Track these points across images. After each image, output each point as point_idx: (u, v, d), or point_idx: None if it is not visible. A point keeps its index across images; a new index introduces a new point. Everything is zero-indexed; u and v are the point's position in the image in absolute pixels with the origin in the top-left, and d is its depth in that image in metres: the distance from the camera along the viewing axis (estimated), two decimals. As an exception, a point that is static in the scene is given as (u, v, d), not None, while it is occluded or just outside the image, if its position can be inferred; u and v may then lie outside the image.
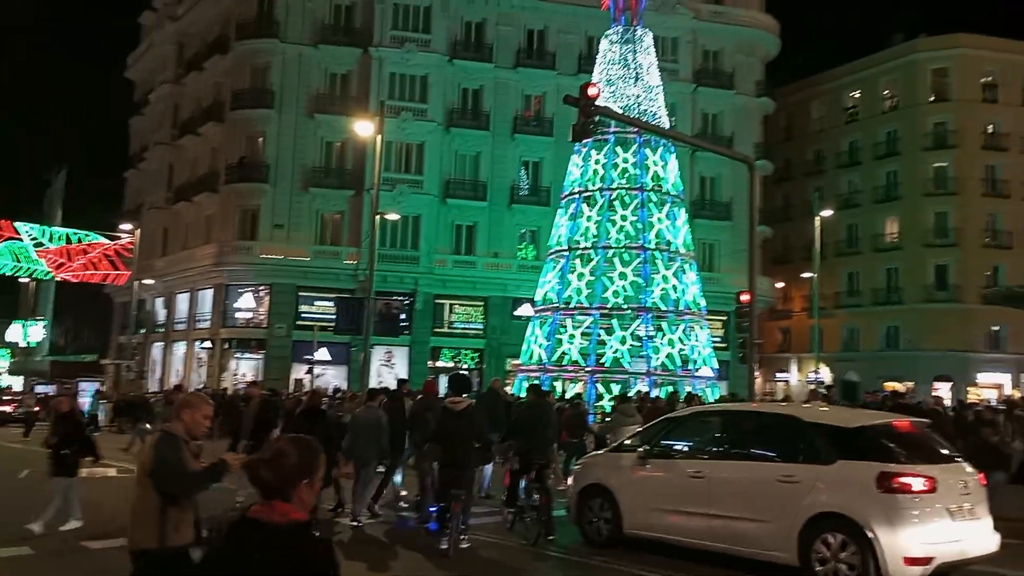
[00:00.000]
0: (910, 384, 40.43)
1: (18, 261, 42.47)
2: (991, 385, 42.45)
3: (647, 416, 14.94)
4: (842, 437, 8.39)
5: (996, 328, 44.66)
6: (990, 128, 47.04)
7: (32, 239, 42.87)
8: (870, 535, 7.59)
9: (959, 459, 8.63)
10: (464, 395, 10.16)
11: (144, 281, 42.07)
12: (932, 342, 44.03)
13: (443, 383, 14.22)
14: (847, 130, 51.41)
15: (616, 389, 25.77)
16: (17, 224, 42.95)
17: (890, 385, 39.90)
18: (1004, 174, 46.66)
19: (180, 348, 42.94)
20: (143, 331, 45.22)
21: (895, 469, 7.82)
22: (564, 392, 26.23)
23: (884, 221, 48.87)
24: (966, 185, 46.02)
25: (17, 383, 55.27)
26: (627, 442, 10.57)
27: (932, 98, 47.81)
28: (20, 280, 59.20)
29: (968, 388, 41.05)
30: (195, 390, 32.45)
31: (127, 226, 44.39)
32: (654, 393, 24.38)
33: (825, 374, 43.63)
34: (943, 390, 39.58)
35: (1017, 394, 38.39)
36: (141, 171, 50.46)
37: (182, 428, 4.78)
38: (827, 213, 39.29)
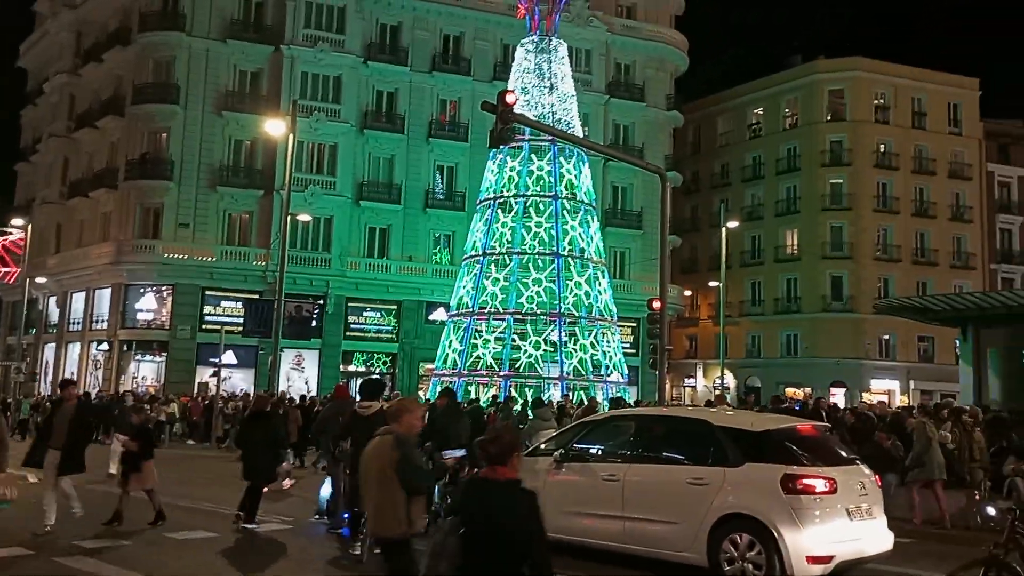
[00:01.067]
0: (808, 390, 42.24)
1: None
2: (883, 391, 44.78)
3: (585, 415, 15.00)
4: (749, 440, 8.67)
5: (887, 337, 47.16)
6: (882, 147, 49.72)
7: (-90, 234, 40.03)
8: (775, 535, 7.88)
9: (857, 461, 9.05)
10: (376, 399, 10.00)
11: (36, 279, 39.86)
12: (829, 350, 46.10)
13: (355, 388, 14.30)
14: (751, 145, 53.38)
15: (529, 394, 25.94)
16: None
17: (790, 391, 41.63)
18: (894, 191, 49.37)
19: (75, 350, 40.88)
20: (34, 331, 42.86)
21: (799, 471, 8.14)
22: (478, 397, 26.24)
23: (785, 234, 50.92)
24: (859, 201, 48.46)
25: None
26: (542, 446, 10.65)
27: (829, 117, 50.17)
28: None
29: (862, 393, 43.18)
30: (85, 393, 30.94)
31: (18, 221, 41.97)
32: (568, 398, 24.65)
33: (730, 380, 45.11)
34: (839, 396, 41.57)
35: (904, 400, 40.64)
36: (33, 164, 47.88)
37: (404, 430, 5.50)
38: (732, 225, 40.67)
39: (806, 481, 8.04)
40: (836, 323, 47.00)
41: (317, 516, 12.02)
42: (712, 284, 43.32)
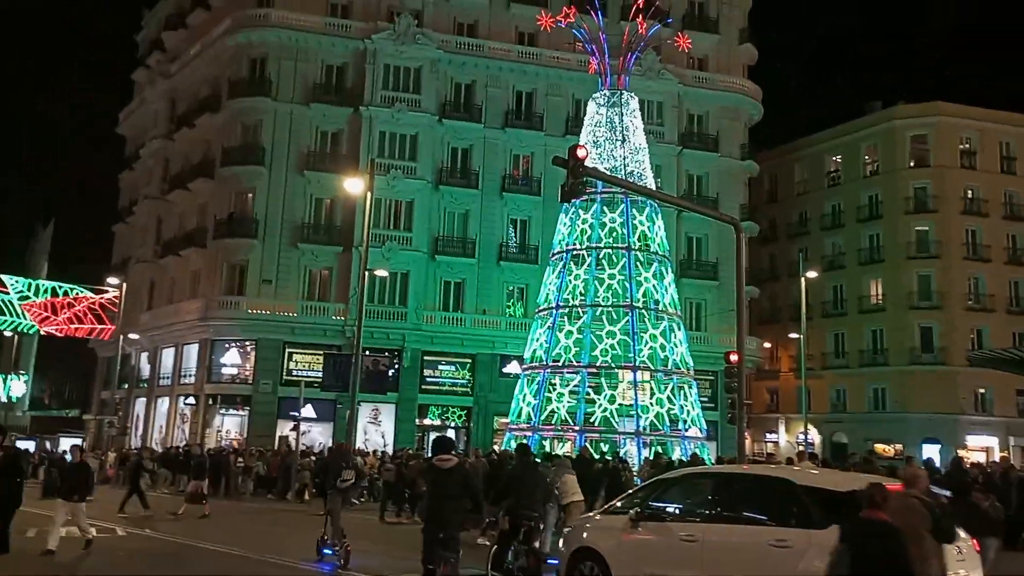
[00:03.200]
0: (899, 446, 40.33)
1: (3, 314, 42.02)
2: (980, 448, 42.39)
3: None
4: (834, 501, 8.30)
5: (983, 390, 44.81)
6: (969, 193, 47.97)
7: (17, 292, 42.49)
8: (866, 602, 7.45)
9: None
10: (450, 453, 9.92)
11: (129, 335, 41.69)
12: (919, 404, 44.05)
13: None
14: (830, 193, 52.28)
15: (606, 448, 25.53)
16: (3, 276, 42.62)
17: (880, 447, 39.80)
18: (985, 238, 47.40)
19: (164, 404, 42.36)
20: (126, 386, 44.62)
21: (889, 534, 7.72)
22: (551, 450, 25.95)
23: (868, 283, 49.34)
24: (948, 248, 46.68)
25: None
26: (618, 504, 10.44)
27: (912, 163, 48.81)
28: (4, 334, 58.60)
29: (958, 450, 40.95)
30: (176, 447, 31.96)
31: (113, 280, 44.18)
32: (644, 453, 24.18)
33: (814, 435, 43.48)
34: (932, 452, 39.51)
35: (1006, 456, 38.38)
36: (129, 225, 50.48)
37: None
38: (812, 274, 39.66)
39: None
40: (927, 376, 44.96)
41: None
42: (793, 335, 42.12)
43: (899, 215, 48.00)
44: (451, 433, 39.45)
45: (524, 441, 23.63)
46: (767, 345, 48.97)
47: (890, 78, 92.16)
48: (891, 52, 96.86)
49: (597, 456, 22.90)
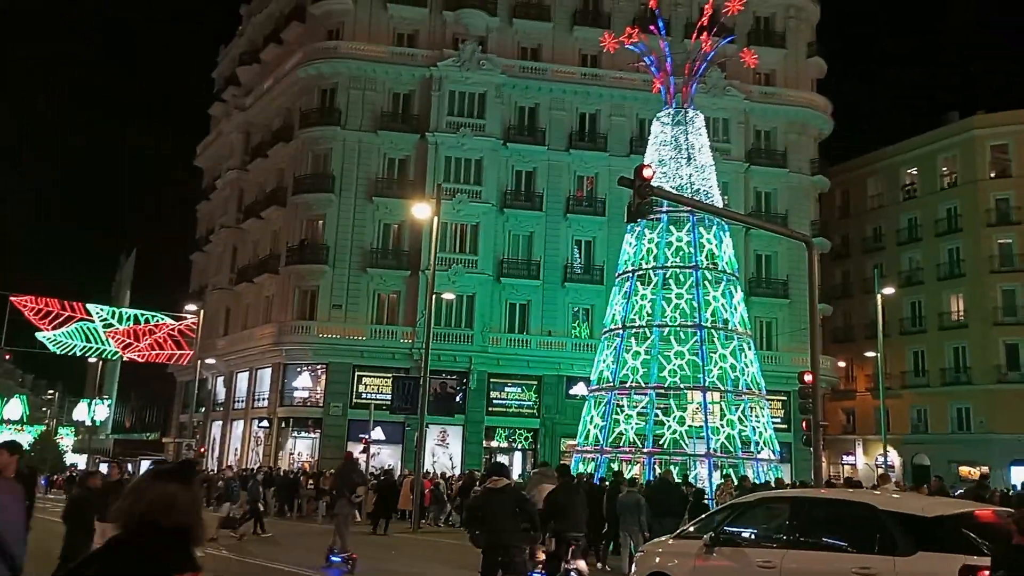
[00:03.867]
0: (984, 468, 38.52)
1: (88, 341, 43.90)
2: (1073, 470, 40.19)
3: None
4: (920, 527, 7.97)
5: (1075, 409, 42.56)
6: (1055, 203, 45.92)
7: (102, 320, 44.36)
8: (957, 633, 7.12)
9: (1049, 552, 8.10)
10: (503, 477, 9.99)
11: (206, 360, 43.00)
12: (1006, 424, 42.07)
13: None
14: (905, 207, 50.72)
15: (675, 470, 25.07)
16: (88, 305, 44.57)
17: (965, 470, 38.12)
18: (1073, 250, 45.26)
19: (239, 427, 43.46)
20: (203, 410, 45.95)
21: (980, 562, 7.37)
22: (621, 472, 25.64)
23: (949, 299, 47.56)
24: (1034, 261, 44.68)
25: (81, 461, 56.48)
26: (691, 529, 10.24)
27: (993, 174, 47.02)
28: (88, 360, 61.07)
29: (1049, 473, 38.93)
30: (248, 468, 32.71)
31: (191, 307, 45.73)
32: (715, 475, 23.66)
33: (894, 457, 41.90)
34: (1020, 475, 37.64)
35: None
36: (206, 253, 52.22)
37: None
38: (889, 291, 38.43)
39: (987, 573, 7.26)
40: (1014, 395, 42.94)
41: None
42: (868, 354, 40.79)
43: (980, 228, 46.23)
44: (518, 455, 39.44)
45: (565, 462, 23.46)
46: (842, 364, 47.56)
47: (968, 87, 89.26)
48: (966, 60, 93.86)
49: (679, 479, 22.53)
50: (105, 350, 45.06)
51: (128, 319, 45.45)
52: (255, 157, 46.29)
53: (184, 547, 2.72)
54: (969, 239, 46.70)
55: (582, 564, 10.73)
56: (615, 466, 27.00)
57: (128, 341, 44.73)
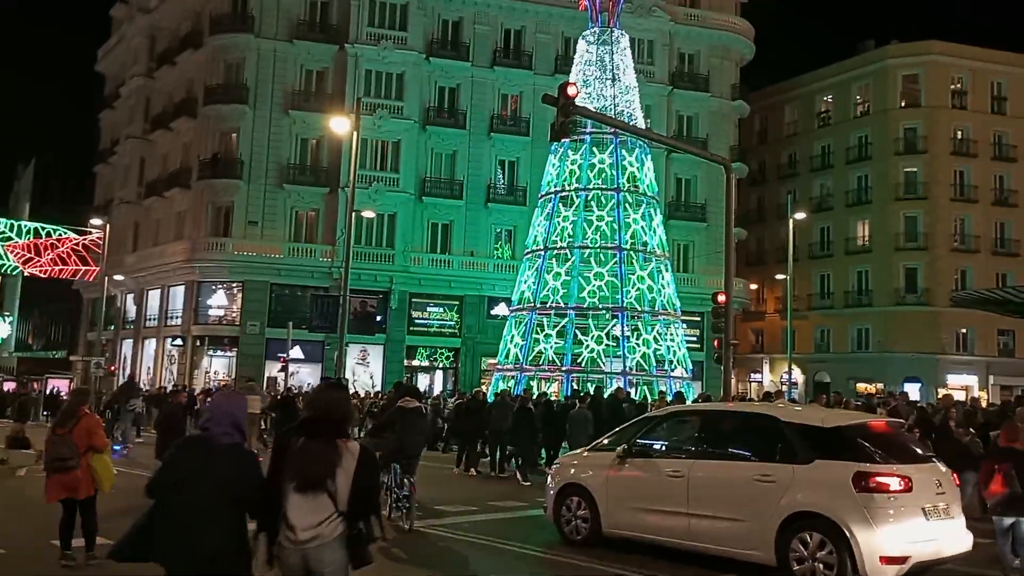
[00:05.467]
0: (880, 385, 40.97)
1: (-16, 255, 41.63)
2: (960, 387, 43.12)
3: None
4: (819, 436, 8.44)
5: (964, 331, 45.42)
6: (959, 134, 47.80)
7: (0, 233, 42.01)
8: (847, 534, 7.64)
9: (934, 459, 8.72)
10: (414, 399, 11.55)
11: (114, 277, 41.41)
12: (902, 344, 44.64)
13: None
14: (820, 134, 51.98)
15: (591, 388, 25.80)
16: (-17, 217, 42.06)
17: (861, 386, 40.50)
18: (973, 179, 47.44)
19: (151, 345, 42.35)
20: (113, 328, 44.53)
21: (872, 469, 7.88)
22: (537, 392, 26.23)
23: (856, 225, 49.44)
24: (935, 190, 46.70)
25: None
26: (605, 441, 10.58)
27: (903, 104, 48.47)
28: (-14, 275, 58.03)
29: (938, 389, 41.68)
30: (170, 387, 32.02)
31: (97, 221, 43.67)
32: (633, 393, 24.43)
33: (798, 375, 44.07)
34: (913, 391, 40.20)
35: (984, 396, 39.13)
36: (111, 165, 49.72)
37: None
38: (800, 216, 39.64)
39: (880, 479, 7.78)
40: (911, 316, 45.47)
41: None
42: (779, 277, 42.35)
43: (888, 156, 47.87)
44: (439, 374, 39.81)
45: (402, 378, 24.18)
46: (753, 287, 49.29)
47: (883, 16, 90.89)
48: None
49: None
50: (4, 265, 42.85)
51: (28, 232, 43.17)
52: (161, 64, 43.77)
53: (343, 427, 4.66)
54: (877, 167, 48.34)
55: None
56: (534, 384, 27.61)
57: (29, 255, 42.60)
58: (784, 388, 36.05)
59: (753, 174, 50.46)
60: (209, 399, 21.38)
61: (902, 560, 7.59)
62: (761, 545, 8.15)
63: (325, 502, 4.34)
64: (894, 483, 7.77)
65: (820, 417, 9.25)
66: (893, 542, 7.58)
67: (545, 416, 18.20)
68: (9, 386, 39.81)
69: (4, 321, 67.33)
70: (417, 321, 39.33)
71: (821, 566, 7.79)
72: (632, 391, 25.55)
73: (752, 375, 52.15)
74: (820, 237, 50.51)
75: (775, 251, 49.21)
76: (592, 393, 19.94)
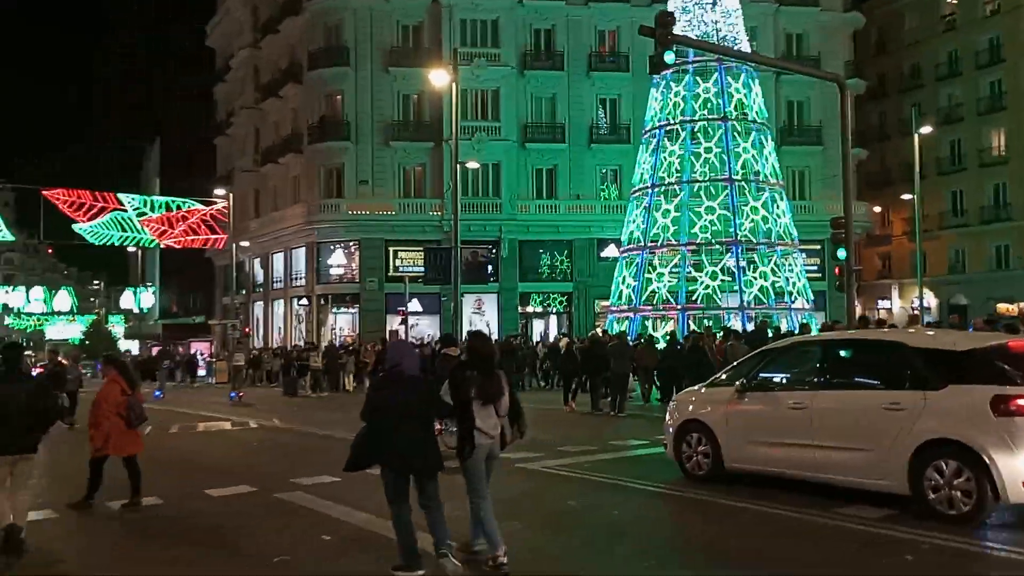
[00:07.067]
0: (1023, 304, 38.38)
1: (124, 231, 44.65)
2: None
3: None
4: (951, 361, 8.06)
5: (1118, 241, 41.80)
6: (1108, 24, 43.29)
7: (135, 209, 44.92)
8: (986, 460, 7.31)
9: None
10: (452, 347, 13.25)
11: (241, 244, 43.63)
12: (1047, 259, 41.56)
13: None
14: (945, 39, 48.24)
15: (711, 324, 25.41)
16: (120, 196, 45.04)
17: (1002, 307, 38.05)
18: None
19: (280, 306, 44.58)
20: (244, 291, 47.08)
21: (1012, 392, 7.47)
22: (654, 330, 26.06)
23: (990, 134, 45.95)
24: (1081, 89, 42.67)
25: (135, 347, 58.79)
26: (723, 376, 10.45)
27: (1040, -3, 44.18)
28: (128, 249, 62.29)
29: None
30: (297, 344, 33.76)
31: (220, 191, 45.95)
32: (749, 327, 23.95)
33: (930, 299, 41.89)
34: (1060, 309, 37.42)
35: None
36: (229, 136, 51.92)
37: None
38: (927, 130, 37.20)
39: (1020, 402, 7.37)
40: (1056, 229, 42.18)
41: None
42: (905, 196, 40.02)
43: (1023, 57, 44.00)
44: (553, 319, 40.13)
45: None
46: (877, 209, 46.78)
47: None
48: None
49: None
50: (142, 238, 45.89)
51: (160, 207, 45.97)
52: (265, 33, 45.07)
53: (494, 362, 6.76)
54: (1011, 70, 44.51)
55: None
56: (648, 324, 27.44)
57: (163, 228, 45.44)
58: (918, 312, 34.35)
59: (872, 89, 47.48)
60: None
61: (1048, 485, 7.21)
62: (893, 474, 7.92)
63: (492, 411, 6.43)
64: (1036, 406, 7.34)
65: (952, 340, 8.81)
66: (1037, 466, 7.19)
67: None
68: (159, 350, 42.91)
69: (148, 291, 72.42)
70: (528, 268, 39.61)
71: (959, 493, 7.50)
72: (751, 325, 25.00)
73: (880, 302, 49.90)
74: (950, 151, 47.27)
75: (900, 169, 46.41)
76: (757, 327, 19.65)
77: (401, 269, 37.25)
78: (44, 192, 42.53)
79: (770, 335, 18.11)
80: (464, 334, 31.20)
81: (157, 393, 27.56)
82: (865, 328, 14.80)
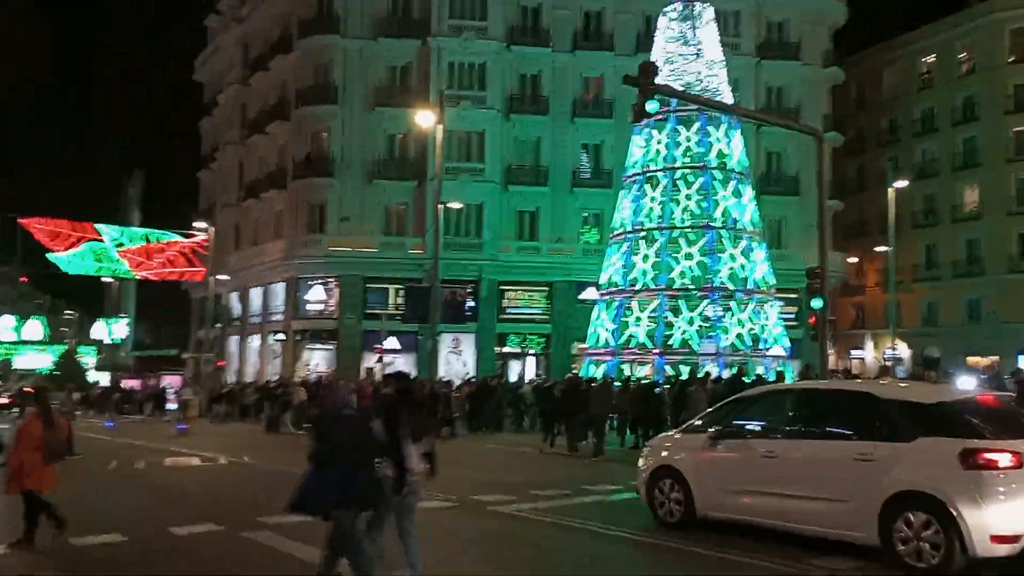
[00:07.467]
0: (995, 358, 38.88)
1: (100, 261, 44.32)
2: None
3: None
4: (921, 413, 8.13)
5: (1088, 298, 42.55)
6: (1076, 88, 44.64)
7: (112, 240, 44.63)
8: (954, 513, 7.35)
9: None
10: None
11: (219, 277, 43.38)
12: (1018, 314, 42.18)
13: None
14: (922, 97, 49.49)
15: (685, 371, 25.46)
16: (98, 226, 44.78)
17: (973, 360, 38.51)
18: (1093, 136, 44.27)
19: (255, 341, 44.19)
20: (219, 325, 46.68)
21: (979, 445, 7.54)
22: (630, 375, 26.08)
23: (964, 190, 46.95)
24: (1052, 149, 43.81)
25: (104, 378, 57.85)
26: (697, 423, 10.46)
27: (1012, 58, 45.58)
28: (103, 280, 61.65)
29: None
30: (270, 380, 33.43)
31: (201, 224, 45.78)
32: (725, 374, 24.03)
33: (903, 350, 42.28)
34: (1031, 364, 37.89)
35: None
36: (213, 171, 51.90)
37: None
38: (902, 184, 37.89)
39: (988, 455, 7.44)
40: (1027, 285, 42.90)
41: None
42: (880, 249, 40.63)
43: (998, 115, 45.17)
44: (531, 360, 40.05)
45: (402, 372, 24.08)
46: (853, 260, 47.45)
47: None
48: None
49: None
50: (117, 269, 45.52)
51: (139, 238, 45.72)
52: (255, 70, 45.39)
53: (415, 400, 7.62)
54: (986, 127, 45.67)
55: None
56: (624, 368, 27.46)
57: (140, 259, 45.14)
58: (890, 364, 34.67)
59: (850, 142, 48.50)
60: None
61: (1014, 539, 7.24)
62: (863, 525, 7.93)
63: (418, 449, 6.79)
64: (1004, 459, 7.40)
65: (923, 393, 8.90)
66: (1005, 520, 7.24)
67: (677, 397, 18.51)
68: (131, 383, 42.33)
69: (121, 322, 71.58)
70: (508, 309, 39.64)
71: (928, 546, 7.51)
72: (726, 372, 25.08)
73: (853, 351, 50.32)
74: (924, 204, 48.18)
75: (876, 221, 47.17)
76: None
77: (379, 307, 37.13)
78: (21, 221, 42.21)
79: (748, 382, 18.19)
80: (443, 373, 31.16)
81: (108, 423, 29.59)
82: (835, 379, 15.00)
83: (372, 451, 6.49)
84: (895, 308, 36.82)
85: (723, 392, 16.32)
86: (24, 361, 66.75)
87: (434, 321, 24.85)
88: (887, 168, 39.51)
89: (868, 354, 49.39)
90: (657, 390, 20.09)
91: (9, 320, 69.43)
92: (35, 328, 70.83)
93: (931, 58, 49.28)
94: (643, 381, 22.60)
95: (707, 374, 22.19)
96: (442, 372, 32.97)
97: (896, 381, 14.58)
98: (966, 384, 14.63)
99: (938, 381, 16.05)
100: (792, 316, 36.21)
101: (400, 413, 6.81)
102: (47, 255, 42.88)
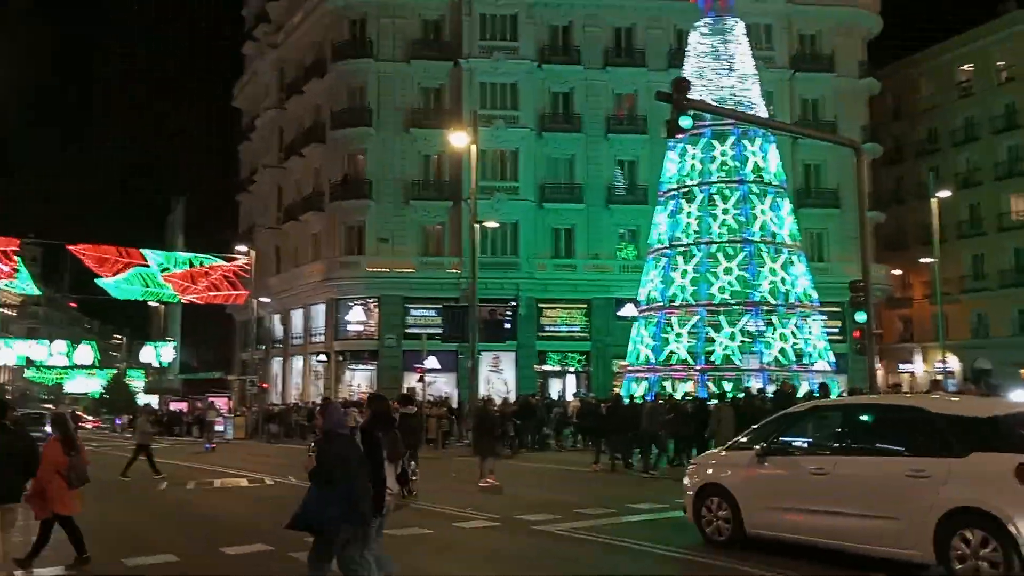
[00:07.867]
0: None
1: (147, 286, 45.22)
2: None
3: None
4: (974, 427, 7.96)
5: None
6: (1122, 91, 43.57)
7: (158, 265, 45.57)
8: (1012, 531, 7.17)
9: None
10: (410, 405, 15.20)
11: (261, 299, 44.02)
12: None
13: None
14: (961, 105, 48.66)
15: (728, 387, 25.20)
16: (144, 251, 45.75)
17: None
18: None
19: (298, 362, 44.68)
20: (263, 347, 47.32)
21: (1037, 460, 7.36)
22: (672, 392, 25.86)
23: (1009, 198, 45.94)
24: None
25: (154, 400, 58.94)
26: (743, 439, 10.35)
27: (1054, 64, 44.67)
28: (150, 304, 62.91)
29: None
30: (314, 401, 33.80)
31: (242, 248, 46.57)
32: (770, 389, 23.72)
33: (953, 363, 41.34)
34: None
35: None
36: (252, 194, 52.83)
37: None
38: (945, 193, 37.26)
39: (1046, 471, 7.25)
40: (1079, 293, 41.73)
41: None
42: (924, 260, 39.87)
43: (1041, 122, 44.18)
44: (571, 378, 39.92)
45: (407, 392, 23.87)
46: (897, 272, 46.61)
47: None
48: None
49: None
50: (163, 294, 46.42)
51: (183, 263, 46.60)
52: (291, 94, 46.23)
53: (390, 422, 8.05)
54: (1030, 135, 44.71)
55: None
56: (667, 385, 27.26)
57: (185, 284, 45.97)
58: (940, 377, 33.91)
59: (889, 153, 47.82)
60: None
61: (1077, 557, 7.04)
62: (918, 544, 7.77)
63: (393, 469, 7.33)
64: (1063, 475, 7.21)
65: (975, 407, 8.72)
66: (1066, 538, 7.04)
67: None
68: (178, 406, 43.08)
69: (168, 345, 72.92)
70: (546, 327, 39.61)
71: (986, 564, 7.34)
72: (770, 387, 24.73)
73: (901, 365, 49.31)
74: (969, 214, 47.24)
75: (916, 232, 46.40)
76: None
77: (418, 327, 37.37)
78: (70, 248, 43.31)
79: (797, 398, 17.95)
80: (485, 391, 31.20)
81: (208, 446, 29.31)
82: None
83: (366, 469, 6.80)
84: (942, 320, 36.02)
85: (771, 408, 16.11)
86: (74, 385, 68.31)
87: (473, 340, 24.93)
88: (928, 178, 38.83)
89: (918, 368, 48.36)
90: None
91: (61, 345, 71.16)
92: (86, 353, 72.42)
93: (968, 66, 48.49)
94: (689, 398, 22.43)
95: (747, 390, 21.91)
96: (483, 390, 33.04)
97: (947, 395, 14.28)
98: (1019, 397, 14.30)
99: (988, 394, 15.67)
100: (836, 330, 35.67)
101: (378, 435, 7.16)
102: (95, 280, 43.91)
